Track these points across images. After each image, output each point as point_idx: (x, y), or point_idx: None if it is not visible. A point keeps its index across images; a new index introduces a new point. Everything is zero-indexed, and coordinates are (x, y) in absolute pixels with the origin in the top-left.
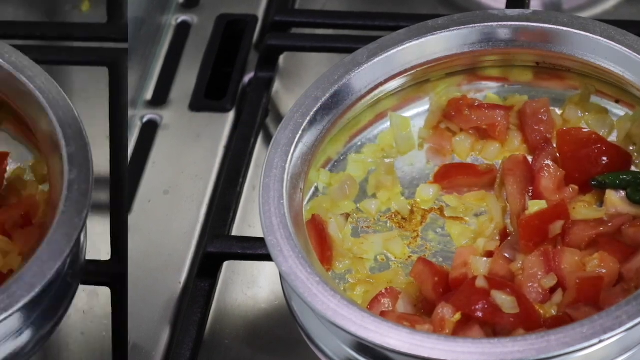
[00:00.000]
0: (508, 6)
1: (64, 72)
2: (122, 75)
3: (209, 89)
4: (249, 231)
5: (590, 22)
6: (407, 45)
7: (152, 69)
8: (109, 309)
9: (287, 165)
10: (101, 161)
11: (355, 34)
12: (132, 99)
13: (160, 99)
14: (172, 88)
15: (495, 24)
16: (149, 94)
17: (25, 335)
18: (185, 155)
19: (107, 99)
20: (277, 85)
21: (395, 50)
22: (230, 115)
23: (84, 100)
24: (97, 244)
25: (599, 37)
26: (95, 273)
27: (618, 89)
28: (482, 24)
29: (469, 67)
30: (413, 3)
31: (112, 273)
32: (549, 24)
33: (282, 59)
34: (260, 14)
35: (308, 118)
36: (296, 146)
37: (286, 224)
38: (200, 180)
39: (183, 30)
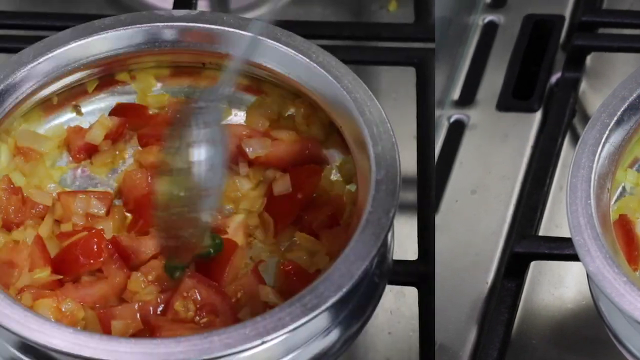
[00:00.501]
0: None
1: (371, 72)
2: (430, 75)
3: (516, 88)
4: (556, 231)
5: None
6: None
7: (459, 69)
8: (415, 309)
9: (595, 165)
10: (408, 161)
11: None
12: (439, 99)
13: (467, 98)
14: (479, 88)
15: None
16: (456, 94)
17: (333, 335)
18: (493, 155)
19: (414, 99)
20: (583, 85)
21: None
22: (537, 115)
23: (392, 100)
24: (404, 244)
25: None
26: (402, 273)
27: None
28: None
29: None
30: None
31: (419, 273)
32: None
33: (589, 58)
34: (567, 14)
35: (615, 118)
36: (603, 146)
37: (593, 224)
38: (508, 180)
39: (490, 30)
